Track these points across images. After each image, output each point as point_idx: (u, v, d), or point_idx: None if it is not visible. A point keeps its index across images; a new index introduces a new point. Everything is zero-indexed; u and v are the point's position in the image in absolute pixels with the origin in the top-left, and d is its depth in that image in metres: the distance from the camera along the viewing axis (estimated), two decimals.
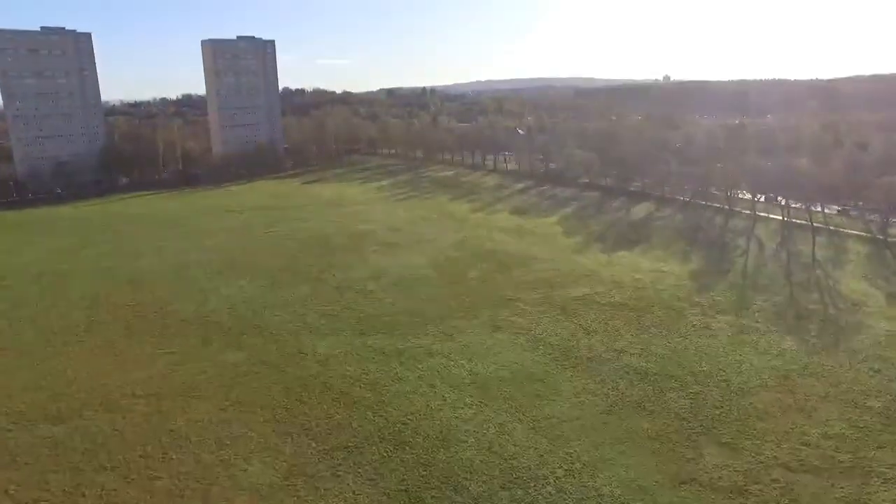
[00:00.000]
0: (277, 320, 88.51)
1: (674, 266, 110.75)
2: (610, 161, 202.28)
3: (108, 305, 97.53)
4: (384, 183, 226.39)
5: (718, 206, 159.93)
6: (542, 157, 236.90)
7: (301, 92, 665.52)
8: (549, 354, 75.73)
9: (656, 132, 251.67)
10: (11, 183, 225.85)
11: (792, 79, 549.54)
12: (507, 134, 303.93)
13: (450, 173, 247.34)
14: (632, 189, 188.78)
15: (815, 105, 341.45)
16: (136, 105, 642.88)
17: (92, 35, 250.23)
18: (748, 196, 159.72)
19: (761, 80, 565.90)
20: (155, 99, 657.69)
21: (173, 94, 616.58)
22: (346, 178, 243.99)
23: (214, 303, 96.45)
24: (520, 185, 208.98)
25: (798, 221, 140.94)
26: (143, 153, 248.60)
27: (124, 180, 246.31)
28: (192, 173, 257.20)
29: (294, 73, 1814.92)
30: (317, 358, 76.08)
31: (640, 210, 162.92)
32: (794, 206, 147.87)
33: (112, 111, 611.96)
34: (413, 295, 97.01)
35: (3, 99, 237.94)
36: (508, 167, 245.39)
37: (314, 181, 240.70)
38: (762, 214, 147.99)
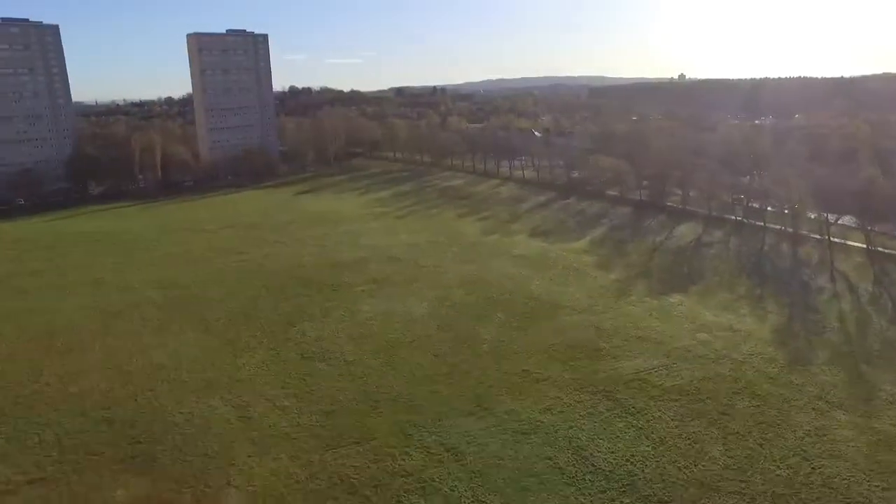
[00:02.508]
0: (205, 418, 62.66)
1: (748, 319, 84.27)
2: (642, 170, 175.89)
3: None
4: (385, 194, 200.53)
5: (779, 227, 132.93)
6: (563, 164, 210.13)
7: (307, 91, 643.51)
8: (605, 493, 49.65)
9: (688, 134, 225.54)
10: None
11: (813, 76, 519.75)
12: (522, 137, 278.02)
13: (459, 181, 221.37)
14: (670, 204, 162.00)
15: (844, 104, 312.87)
16: (140, 105, 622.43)
17: (59, 27, 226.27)
18: (813, 215, 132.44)
19: (782, 78, 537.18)
20: (160, 98, 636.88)
21: (181, 92, 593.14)
22: (344, 188, 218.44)
23: (136, 380, 70.82)
24: (540, 198, 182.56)
25: (887, 251, 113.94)
26: (118, 159, 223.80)
27: (97, 190, 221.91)
28: (175, 182, 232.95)
29: (304, 72, 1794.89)
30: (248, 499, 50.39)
31: (686, 232, 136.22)
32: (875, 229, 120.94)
33: (115, 111, 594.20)
34: (404, 370, 71.07)
35: None
36: (525, 175, 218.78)
37: (307, 191, 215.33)
38: (838, 241, 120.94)
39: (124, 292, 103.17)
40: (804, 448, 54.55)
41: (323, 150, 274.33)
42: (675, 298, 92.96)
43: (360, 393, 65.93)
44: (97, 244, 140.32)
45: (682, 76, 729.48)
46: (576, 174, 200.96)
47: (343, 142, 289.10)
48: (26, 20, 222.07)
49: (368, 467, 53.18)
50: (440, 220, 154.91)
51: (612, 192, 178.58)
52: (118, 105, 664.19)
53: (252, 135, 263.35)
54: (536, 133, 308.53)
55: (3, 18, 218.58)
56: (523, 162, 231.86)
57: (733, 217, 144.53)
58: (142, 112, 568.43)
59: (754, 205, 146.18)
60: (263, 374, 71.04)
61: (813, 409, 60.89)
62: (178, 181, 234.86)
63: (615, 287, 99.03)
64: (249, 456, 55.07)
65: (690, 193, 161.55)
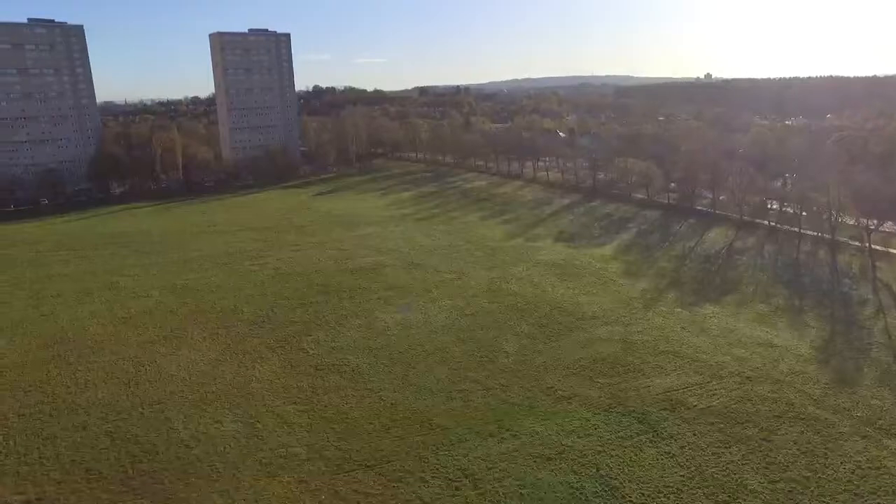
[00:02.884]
0: (212, 435, 59.71)
1: (787, 334, 79.37)
2: (670, 172, 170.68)
3: None
4: (406, 196, 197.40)
5: (815, 233, 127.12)
6: (588, 165, 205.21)
7: (332, 90, 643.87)
8: None
9: (718, 135, 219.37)
10: None
11: (844, 75, 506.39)
12: (547, 137, 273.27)
13: (482, 183, 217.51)
14: (699, 208, 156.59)
15: (878, 104, 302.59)
16: (166, 104, 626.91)
17: (84, 28, 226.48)
18: (852, 221, 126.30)
19: (812, 78, 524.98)
20: (186, 98, 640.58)
21: (207, 92, 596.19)
22: (365, 189, 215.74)
23: (143, 392, 68.18)
24: (564, 201, 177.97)
25: None
26: (140, 159, 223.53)
27: (118, 190, 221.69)
28: (196, 182, 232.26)
29: (330, 71, 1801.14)
30: None
31: (717, 238, 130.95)
32: None
33: (143, 110, 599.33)
34: (421, 385, 67.53)
35: None
36: (549, 176, 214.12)
37: (327, 192, 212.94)
38: (879, 248, 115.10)
39: (139, 298, 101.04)
40: (855, 482, 49.99)
41: (345, 151, 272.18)
42: (708, 309, 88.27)
43: (375, 409, 62.52)
44: (116, 246, 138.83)
45: (708, 76, 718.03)
46: (602, 176, 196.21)
47: (365, 142, 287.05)
48: (52, 21, 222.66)
49: (380, 494, 49.73)
50: (462, 224, 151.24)
51: (639, 195, 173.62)
52: (146, 105, 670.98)
53: (274, 135, 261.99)
54: (561, 133, 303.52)
55: (29, 19, 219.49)
56: (548, 163, 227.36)
57: (766, 222, 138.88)
58: (168, 112, 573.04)
59: (788, 209, 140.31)
60: (275, 386, 67.95)
61: (863, 436, 56.17)
62: (200, 181, 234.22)
63: (644, 296, 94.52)
64: (256, 479, 51.93)
65: (721, 197, 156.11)
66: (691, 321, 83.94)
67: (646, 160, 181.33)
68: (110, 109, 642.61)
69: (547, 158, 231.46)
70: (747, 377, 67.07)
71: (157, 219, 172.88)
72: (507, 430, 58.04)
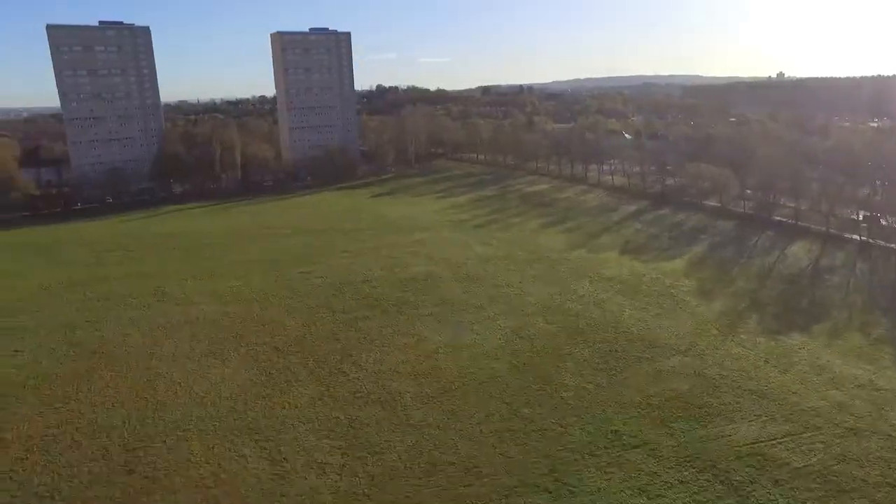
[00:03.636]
0: (234, 473, 54.32)
1: (891, 373, 68.90)
2: (746, 178, 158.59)
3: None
4: (464, 199, 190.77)
5: None
6: (656, 169, 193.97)
7: (394, 89, 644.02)
8: None
9: (797, 138, 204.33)
10: (55, 191, 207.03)
11: None
12: (611, 139, 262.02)
13: (544, 186, 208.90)
14: (778, 218, 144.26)
15: None
16: (234, 103, 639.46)
17: (150, 29, 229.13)
18: None
19: (886, 77, 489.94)
20: (253, 97, 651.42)
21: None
22: (422, 191, 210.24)
23: (169, 415, 63.62)
24: (630, 207, 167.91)
25: None
26: (201, 159, 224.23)
27: (179, 189, 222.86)
28: (255, 181, 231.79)
29: (394, 71, 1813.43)
30: None
31: (799, 253, 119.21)
32: None
33: (212, 109, 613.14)
34: (469, 421, 60.59)
35: (60, 100, 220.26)
36: (614, 180, 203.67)
37: (384, 194, 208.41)
38: None
39: (182, 304, 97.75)
40: None
41: (404, 151, 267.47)
42: (795, 339, 78.20)
43: (416, 449, 55.98)
44: (168, 248, 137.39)
45: (780, 74, 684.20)
46: (671, 181, 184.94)
47: (424, 142, 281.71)
48: (120, 23, 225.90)
49: None
50: (521, 231, 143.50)
51: (711, 203, 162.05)
52: (215, 103, 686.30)
53: (333, 134, 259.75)
54: (626, 135, 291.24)
55: (100, 22, 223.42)
56: (612, 166, 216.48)
57: (857, 237, 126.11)
58: (235, 110, 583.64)
59: (884, 222, 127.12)
60: (308, 416, 62.28)
61: None
62: (259, 181, 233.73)
63: (720, 321, 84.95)
64: None
65: (803, 206, 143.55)
66: (776, 353, 74.19)
67: (718, 165, 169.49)
68: (183, 108, 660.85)
69: (612, 161, 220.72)
70: (850, 428, 57.49)
71: (212, 220, 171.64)
72: (564, 483, 50.55)
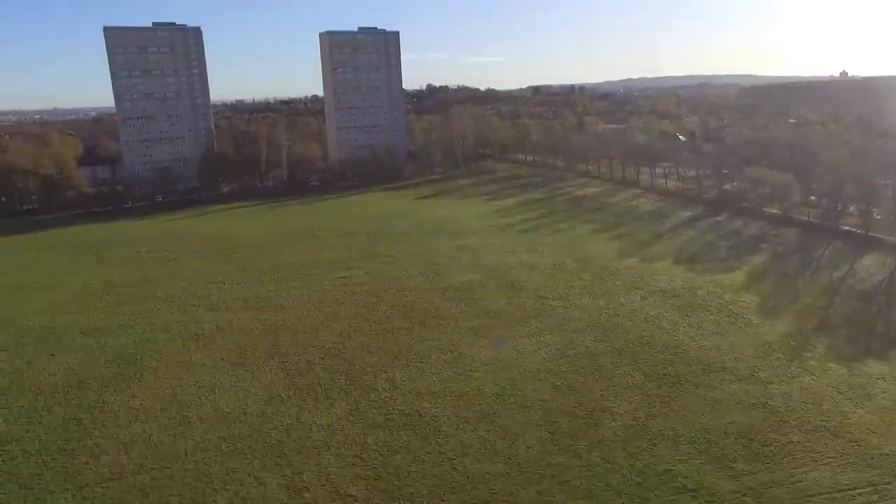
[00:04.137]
0: (249, 500, 50.81)
1: None
2: (810, 183, 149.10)
3: None
4: (511, 202, 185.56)
5: None
6: (712, 173, 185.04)
7: (444, 89, 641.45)
8: None
9: (866, 142, 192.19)
10: (107, 190, 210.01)
11: None
12: (665, 140, 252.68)
13: (594, 190, 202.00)
14: (847, 228, 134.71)
15: None
16: (287, 102, 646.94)
17: (201, 29, 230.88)
18: None
19: None
20: (306, 96, 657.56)
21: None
22: (469, 192, 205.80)
23: (192, 433, 60.72)
24: (685, 213, 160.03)
25: None
26: (248, 158, 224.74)
27: (226, 188, 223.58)
28: (302, 181, 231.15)
29: (445, 70, 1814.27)
30: None
31: (872, 266, 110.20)
32: None
33: (266, 108, 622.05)
34: (508, 452, 55.76)
35: (114, 100, 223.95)
36: (668, 184, 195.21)
37: (430, 195, 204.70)
38: None
39: (217, 310, 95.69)
40: None
41: (451, 151, 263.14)
42: (873, 367, 70.77)
43: (448, 483, 51.51)
44: (209, 249, 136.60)
45: (843, 73, 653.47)
46: (728, 186, 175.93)
47: (472, 142, 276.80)
48: (173, 24, 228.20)
49: None
50: (570, 238, 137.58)
51: (772, 210, 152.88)
52: (269, 103, 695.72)
53: (380, 134, 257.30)
54: (681, 137, 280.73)
55: (153, 23, 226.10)
56: (666, 170, 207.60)
57: None
58: (288, 110, 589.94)
59: None
60: (335, 440, 58.48)
61: None
62: (305, 180, 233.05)
63: (785, 343, 77.88)
64: None
65: (876, 215, 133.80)
66: (851, 383, 67.08)
67: (779, 169, 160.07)
68: (238, 108, 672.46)
69: (665, 164, 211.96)
70: None
71: (255, 221, 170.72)
72: None
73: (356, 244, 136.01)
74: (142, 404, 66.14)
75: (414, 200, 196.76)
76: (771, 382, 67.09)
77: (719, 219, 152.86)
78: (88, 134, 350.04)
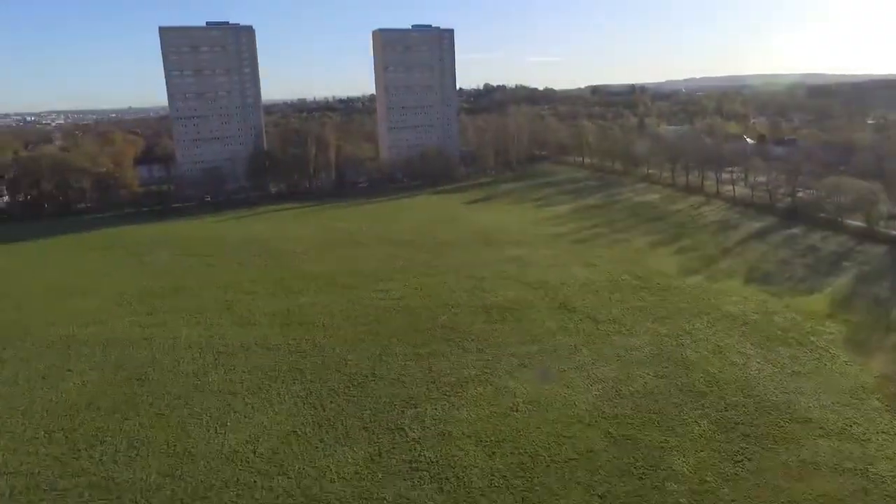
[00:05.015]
0: None
1: None
2: None
3: None
4: (565, 208, 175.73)
5: None
6: (784, 179, 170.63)
7: (501, 88, 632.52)
8: None
9: None
10: (155, 189, 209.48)
11: None
12: (732, 143, 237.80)
13: (654, 196, 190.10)
14: None
15: None
16: (346, 101, 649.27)
17: (254, 29, 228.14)
18: None
19: None
20: (363, 95, 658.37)
21: None
22: (521, 197, 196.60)
23: (198, 473, 54.27)
24: (755, 224, 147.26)
25: None
26: (297, 157, 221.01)
27: (274, 189, 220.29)
28: (351, 182, 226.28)
29: (503, 70, 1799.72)
30: None
31: None
32: None
33: (324, 107, 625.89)
34: None
35: (168, 100, 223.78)
36: (735, 191, 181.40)
37: (481, 199, 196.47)
38: None
39: (244, 325, 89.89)
40: None
41: (505, 153, 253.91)
42: None
43: None
44: (248, 254, 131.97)
45: None
46: (802, 194, 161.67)
47: (527, 144, 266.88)
48: (226, 23, 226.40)
49: None
50: (628, 250, 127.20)
51: (854, 222, 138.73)
52: (328, 101, 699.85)
53: (432, 134, 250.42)
54: (749, 140, 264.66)
55: (207, 22, 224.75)
56: (733, 175, 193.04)
57: None
58: (346, 108, 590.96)
59: None
60: (350, 492, 51.07)
61: None
62: (354, 181, 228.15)
63: (885, 389, 66.52)
64: None
65: None
66: None
67: (863, 177, 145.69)
68: (299, 106, 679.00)
69: (732, 169, 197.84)
70: None
71: (298, 224, 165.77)
72: None
73: (399, 253, 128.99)
74: (146, 436, 60.24)
75: (463, 205, 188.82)
76: (869, 440, 56.42)
77: (794, 231, 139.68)
78: (153, 132, 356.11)
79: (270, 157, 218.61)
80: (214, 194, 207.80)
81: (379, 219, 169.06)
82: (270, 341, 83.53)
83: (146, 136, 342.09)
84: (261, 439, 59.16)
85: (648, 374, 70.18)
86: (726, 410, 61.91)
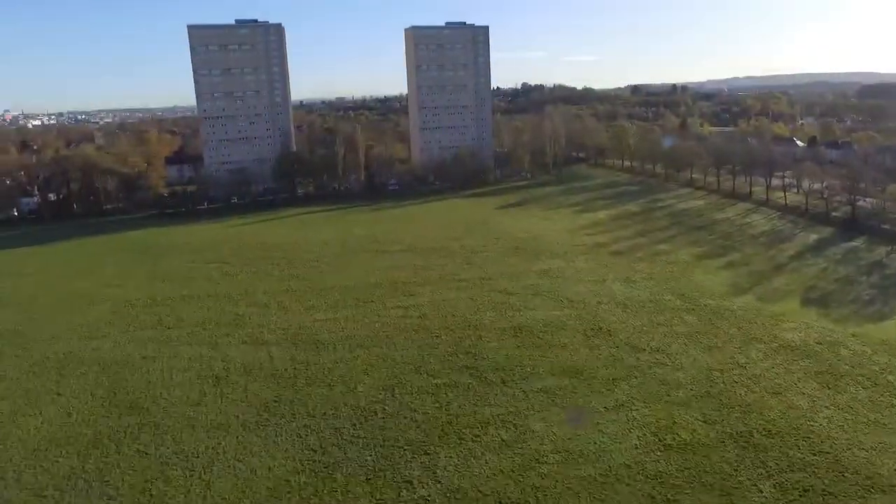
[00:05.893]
0: None
1: None
2: None
3: None
4: (604, 215, 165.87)
5: None
6: (841, 186, 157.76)
7: (539, 88, 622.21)
8: None
9: None
10: (181, 189, 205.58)
11: None
12: (780, 146, 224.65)
13: (699, 203, 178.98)
14: None
15: None
16: (383, 100, 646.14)
17: (284, 27, 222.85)
18: None
19: None
20: (401, 94, 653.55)
21: None
22: (557, 202, 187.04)
23: None
24: (810, 237, 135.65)
25: None
26: (326, 158, 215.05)
27: (302, 191, 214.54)
28: (381, 184, 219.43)
29: (541, 69, 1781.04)
30: None
31: None
32: None
33: (361, 106, 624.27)
34: None
35: (196, 99, 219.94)
36: (787, 198, 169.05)
37: (515, 204, 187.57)
38: None
39: (250, 345, 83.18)
40: None
41: (541, 154, 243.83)
42: None
43: None
44: (266, 262, 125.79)
45: None
46: (862, 202, 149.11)
47: (564, 145, 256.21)
48: (255, 21, 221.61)
49: None
50: (671, 264, 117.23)
51: None
52: (365, 100, 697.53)
53: (466, 135, 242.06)
54: (799, 142, 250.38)
55: (236, 20, 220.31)
56: (784, 181, 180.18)
57: None
58: (383, 108, 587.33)
59: None
60: None
61: None
62: (384, 183, 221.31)
63: None
64: None
65: None
66: None
67: None
68: (336, 105, 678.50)
69: (782, 174, 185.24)
70: None
71: (323, 228, 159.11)
72: None
73: (424, 262, 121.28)
74: (121, 481, 53.44)
75: (496, 209, 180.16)
76: None
77: (855, 244, 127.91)
78: (192, 131, 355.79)
79: (298, 158, 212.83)
80: (241, 195, 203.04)
81: (406, 223, 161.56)
82: (276, 365, 76.50)
83: (184, 134, 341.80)
84: (247, 491, 51.82)
85: (697, 420, 60.93)
86: (792, 471, 52.46)
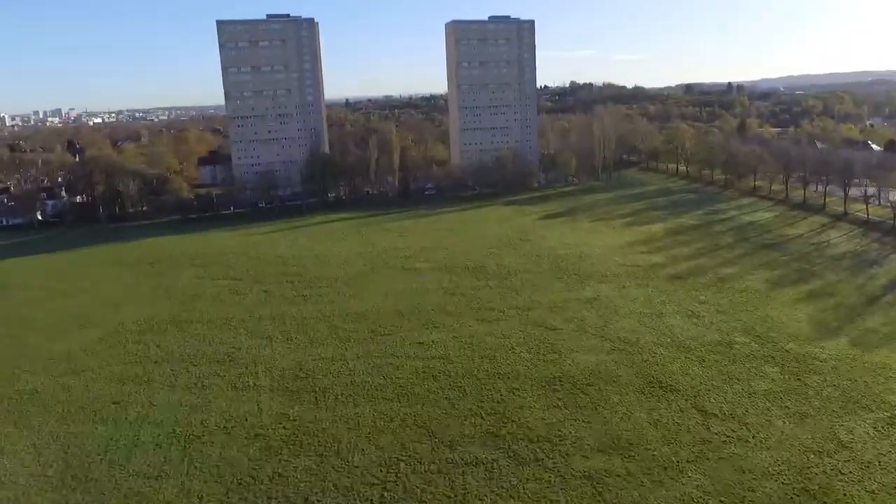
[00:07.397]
0: None
1: None
2: None
3: None
4: (658, 228, 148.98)
5: None
6: None
7: (588, 86, 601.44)
8: None
9: None
10: (205, 193, 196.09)
11: None
12: (852, 150, 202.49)
13: (766, 215, 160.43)
14: None
15: None
16: (429, 99, 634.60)
17: (317, 22, 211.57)
18: None
19: None
20: (446, 93, 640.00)
21: None
22: (607, 212, 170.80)
23: None
24: None
25: None
26: (357, 161, 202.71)
27: (332, 195, 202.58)
28: (417, 189, 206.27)
29: (591, 68, 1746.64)
30: None
31: None
32: None
33: (408, 104, 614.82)
34: None
35: (224, 97, 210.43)
36: (869, 210, 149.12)
37: (559, 214, 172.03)
38: None
39: (239, 390, 70.83)
40: None
41: (589, 158, 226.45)
42: None
43: None
44: (276, 282, 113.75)
45: None
46: None
47: (614, 148, 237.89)
48: (287, 16, 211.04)
49: None
50: (740, 292, 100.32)
51: None
52: (411, 98, 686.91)
53: (509, 137, 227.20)
54: (874, 146, 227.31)
55: (268, 15, 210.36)
56: (863, 190, 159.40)
57: None
58: (427, 106, 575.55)
59: None
60: None
61: None
62: (420, 188, 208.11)
63: None
64: None
65: None
66: None
67: None
68: (380, 103, 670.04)
69: (859, 182, 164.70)
70: None
71: (348, 240, 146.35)
72: None
73: (454, 285, 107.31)
74: None
75: (539, 220, 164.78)
76: None
77: None
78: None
79: (328, 161, 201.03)
80: (268, 199, 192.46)
81: (438, 235, 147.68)
82: (263, 420, 63.51)
83: (224, 134, 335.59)
84: None
85: None
86: None
